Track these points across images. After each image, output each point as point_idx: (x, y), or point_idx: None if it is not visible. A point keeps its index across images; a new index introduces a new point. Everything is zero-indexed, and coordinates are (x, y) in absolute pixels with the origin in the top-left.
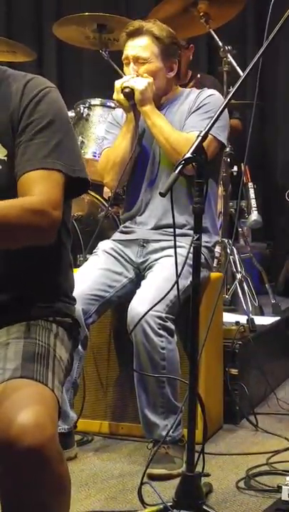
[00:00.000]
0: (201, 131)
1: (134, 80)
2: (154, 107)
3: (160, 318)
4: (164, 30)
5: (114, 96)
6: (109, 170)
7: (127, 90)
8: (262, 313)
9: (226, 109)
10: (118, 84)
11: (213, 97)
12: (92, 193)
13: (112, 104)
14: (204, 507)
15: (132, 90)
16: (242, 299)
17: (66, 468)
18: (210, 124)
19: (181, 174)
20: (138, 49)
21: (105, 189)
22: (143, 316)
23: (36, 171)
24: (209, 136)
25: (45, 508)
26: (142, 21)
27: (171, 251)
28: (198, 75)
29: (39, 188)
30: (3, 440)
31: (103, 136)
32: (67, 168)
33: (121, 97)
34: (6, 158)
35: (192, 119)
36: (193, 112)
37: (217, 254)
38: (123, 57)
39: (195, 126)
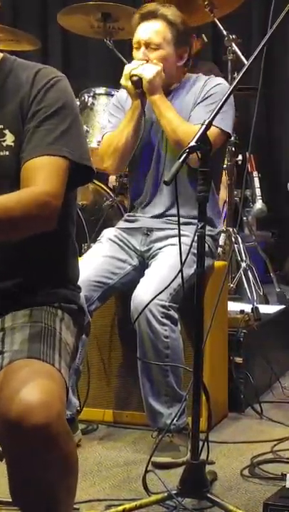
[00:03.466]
0: (205, 120)
1: (143, 67)
2: (162, 95)
3: (164, 306)
4: (179, 16)
5: (122, 82)
6: (110, 155)
7: (135, 78)
8: (267, 302)
9: (232, 97)
10: (127, 70)
11: (219, 87)
12: (97, 182)
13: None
14: (209, 495)
15: (141, 79)
16: (247, 287)
17: (74, 447)
18: (213, 114)
19: (186, 163)
20: (151, 33)
21: (110, 178)
22: (147, 305)
23: (40, 158)
24: (215, 128)
25: (53, 486)
26: (157, 4)
27: (175, 240)
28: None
29: (42, 176)
30: (10, 418)
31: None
32: (74, 154)
33: (129, 84)
34: (13, 144)
35: (198, 110)
36: (200, 102)
37: (221, 243)
38: (134, 40)
39: (201, 118)
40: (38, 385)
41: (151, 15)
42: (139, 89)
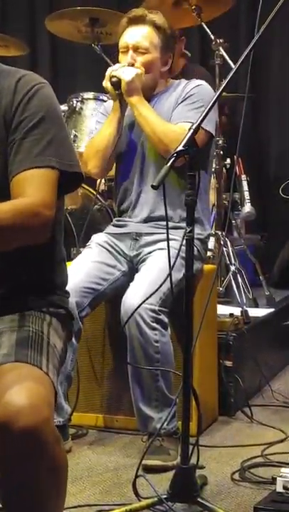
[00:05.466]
0: (193, 124)
1: (123, 69)
2: (141, 97)
3: (153, 311)
4: (166, 21)
5: (104, 83)
6: (92, 157)
7: (114, 80)
8: (256, 305)
9: (215, 98)
10: (108, 72)
11: (199, 88)
12: (86, 187)
13: (105, 98)
14: (199, 499)
15: (120, 80)
16: (236, 290)
17: (63, 452)
18: (201, 117)
19: (172, 167)
20: (140, 37)
21: (98, 182)
22: (136, 309)
23: (29, 171)
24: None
25: (42, 491)
26: (145, 9)
27: (164, 244)
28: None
29: (32, 188)
30: None
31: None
32: (61, 163)
33: (109, 85)
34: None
35: (178, 110)
36: (180, 102)
37: (211, 247)
38: (121, 44)
39: (181, 117)
40: (25, 388)
41: (140, 20)
42: (118, 91)
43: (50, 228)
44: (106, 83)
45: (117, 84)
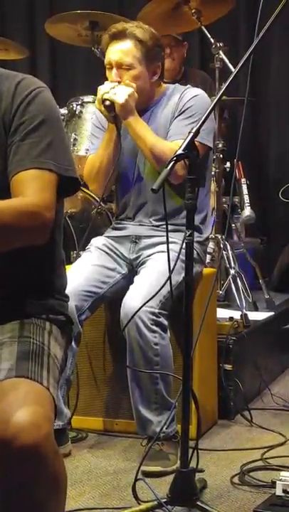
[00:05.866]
0: (193, 128)
1: (115, 91)
2: (136, 117)
3: (153, 313)
4: (148, 32)
5: (96, 105)
6: (93, 178)
7: (107, 103)
8: (256, 309)
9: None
10: (99, 94)
11: (196, 99)
12: (86, 190)
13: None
14: (198, 503)
15: (113, 103)
16: (236, 294)
17: (62, 467)
18: (198, 125)
19: (168, 182)
20: (121, 54)
21: None
22: (136, 312)
23: (29, 171)
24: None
25: (41, 505)
26: (124, 23)
27: (164, 247)
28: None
29: (32, 188)
30: None
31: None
32: (59, 167)
33: (102, 108)
34: None
35: (176, 125)
36: (177, 116)
37: (210, 250)
38: (106, 61)
39: (179, 133)
40: (26, 405)
41: (120, 35)
42: (113, 113)
43: (49, 230)
44: (99, 106)
45: (110, 107)
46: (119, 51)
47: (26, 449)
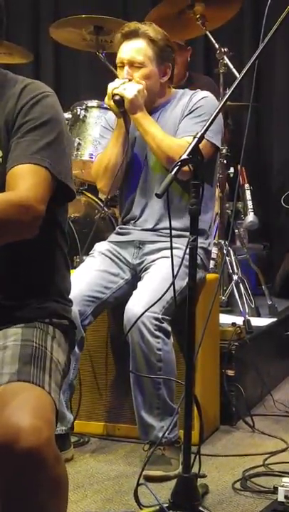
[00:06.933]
0: (197, 133)
1: (125, 86)
2: (145, 113)
3: (156, 319)
4: (160, 33)
5: (106, 101)
6: (101, 176)
7: (116, 98)
8: (258, 315)
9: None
10: (109, 89)
11: (205, 100)
12: (89, 195)
13: None
14: (200, 508)
15: (122, 98)
16: (238, 300)
17: (64, 471)
18: (206, 127)
19: (177, 179)
20: (133, 52)
21: None
22: (139, 317)
23: (24, 165)
24: (205, 140)
25: (42, 509)
26: (137, 23)
27: (168, 252)
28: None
29: (26, 182)
30: (0, 444)
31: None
32: (54, 168)
33: (112, 103)
34: (1, 159)
35: (185, 123)
36: (186, 115)
37: (214, 256)
38: (117, 60)
39: (187, 131)
40: (27, 409)
41: (133, 34)
42: (122, 108)
43: (39, 223)
44: (109, 101)
45: (119, 102)
46: (132, 49)
47: (27, 453)
